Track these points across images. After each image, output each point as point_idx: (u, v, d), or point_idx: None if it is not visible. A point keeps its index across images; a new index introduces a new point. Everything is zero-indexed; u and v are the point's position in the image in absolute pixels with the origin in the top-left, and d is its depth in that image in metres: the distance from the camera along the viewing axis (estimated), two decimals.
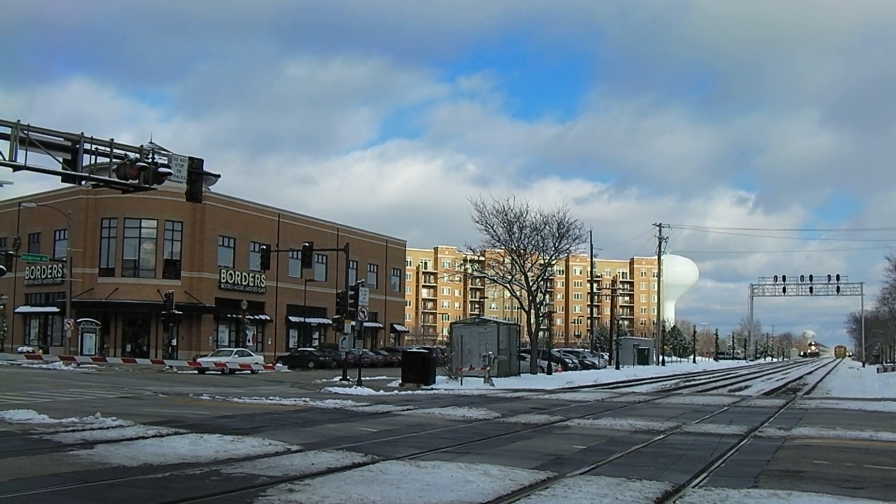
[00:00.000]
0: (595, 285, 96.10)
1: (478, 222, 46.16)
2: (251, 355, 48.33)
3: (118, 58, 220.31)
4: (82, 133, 18.83)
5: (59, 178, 19.94)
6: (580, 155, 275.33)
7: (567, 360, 57.79)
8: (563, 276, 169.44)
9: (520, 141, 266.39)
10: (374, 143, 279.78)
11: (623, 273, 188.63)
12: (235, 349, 50.43)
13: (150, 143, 26.93)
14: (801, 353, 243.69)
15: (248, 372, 45.02)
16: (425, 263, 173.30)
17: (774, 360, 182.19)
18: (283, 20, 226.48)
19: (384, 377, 39.32)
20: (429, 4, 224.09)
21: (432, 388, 32.53)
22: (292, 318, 67.22)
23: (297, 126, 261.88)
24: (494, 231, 46.36)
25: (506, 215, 46.11)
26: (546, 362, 48.48)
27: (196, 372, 43.88)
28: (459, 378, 35.54)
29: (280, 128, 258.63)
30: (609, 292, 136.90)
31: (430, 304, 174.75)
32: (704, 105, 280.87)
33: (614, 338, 76.88)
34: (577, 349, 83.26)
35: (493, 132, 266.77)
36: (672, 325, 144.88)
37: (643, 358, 77.99)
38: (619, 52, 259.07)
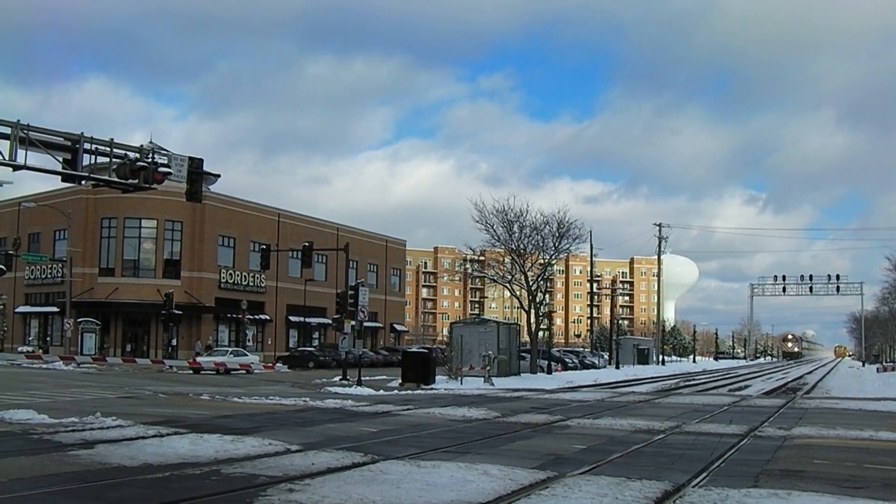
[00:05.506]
0: (595, 285, 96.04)
1: (478, 222, 46.20)
2: (246, 355, 48.24)
3: (136, 57, 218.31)
4: (82, 133, 18.83)
5: (60, 177, 19.95)
6: (593, 155, 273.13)
7: (567, 360, 57.85)
8: (563, 275, 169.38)
9: (535, 140, 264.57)
10: (388, 143, 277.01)
11: (623, 273, 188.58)
12: (231, 349, 50.38)
13: (150, 142, 26.99)
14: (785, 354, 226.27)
15: (244, 372, 44.88)
16: (425, 263, 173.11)
17: (774, 359, 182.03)
18: (306, 20, 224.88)
19: (384, 377, 39.31)
20: (452, 5, 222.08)
21: (432, 388, 32.51)
22: (292, 318, 67.20)
23: (313, 125, 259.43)
24: (494, 231, 46.39)
25: (506, 215, 46.14)
26: (546, 362, 48.45)
27: (192, 372, 43.79)
28: (459, 378, 35.53)
29: (296, 127, 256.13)
30: (609, 292, 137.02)
31: (430, 304, 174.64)
32: (721, 105, 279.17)
33: (614, 337, 76.90)
34: (577, 349, 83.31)
35: (509, 132, 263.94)
36: (672, 325, 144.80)
37: (643, 357, 78.05)
38: (640, 51, 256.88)
